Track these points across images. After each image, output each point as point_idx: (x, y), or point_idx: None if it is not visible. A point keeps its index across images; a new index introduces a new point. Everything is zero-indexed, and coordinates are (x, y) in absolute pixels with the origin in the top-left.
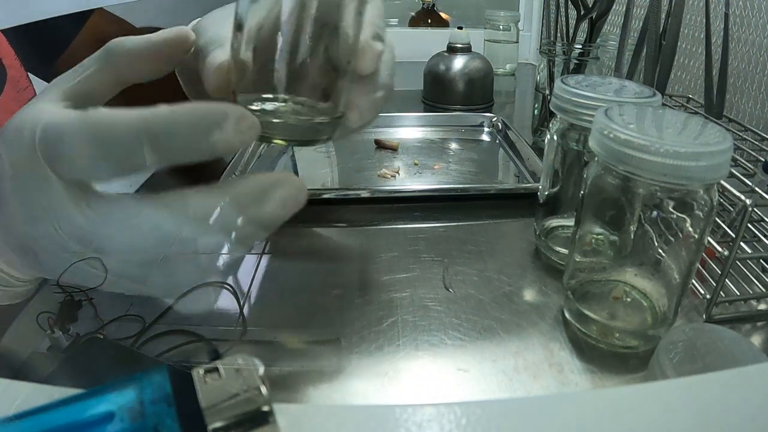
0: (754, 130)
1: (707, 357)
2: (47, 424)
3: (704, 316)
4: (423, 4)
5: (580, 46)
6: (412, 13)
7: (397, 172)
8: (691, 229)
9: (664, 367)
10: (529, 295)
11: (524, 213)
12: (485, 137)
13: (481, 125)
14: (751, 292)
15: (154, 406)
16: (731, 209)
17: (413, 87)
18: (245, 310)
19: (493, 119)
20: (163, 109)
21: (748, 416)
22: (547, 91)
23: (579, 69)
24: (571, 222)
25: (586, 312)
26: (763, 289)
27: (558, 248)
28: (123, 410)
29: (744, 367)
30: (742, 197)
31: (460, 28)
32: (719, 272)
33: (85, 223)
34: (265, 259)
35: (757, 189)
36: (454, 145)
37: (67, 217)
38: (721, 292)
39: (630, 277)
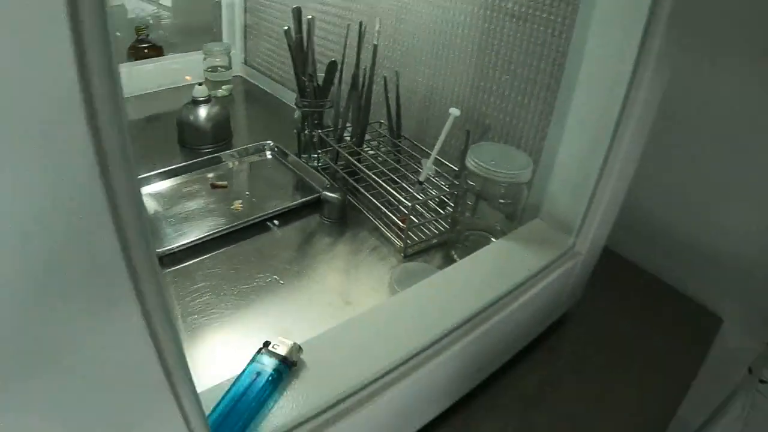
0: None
1: (414, 277)
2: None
3: (402, 254)
4: (137, 35)
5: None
6: (130, 44)
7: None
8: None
9: (396, 287)
10: None
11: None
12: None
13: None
14: (424, 237)
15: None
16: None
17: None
18: None
19: (270, 144)
20: None
21: (436, 301)
22: (306, 131)
23: (321, 117)
24: None
25: None
26: (435, 232)
27: None
28: (252, 372)
29: (428, 278)
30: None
31: (200, 84)
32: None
33: None
34: None
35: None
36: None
37: None
38: (408, 240)
39: None
